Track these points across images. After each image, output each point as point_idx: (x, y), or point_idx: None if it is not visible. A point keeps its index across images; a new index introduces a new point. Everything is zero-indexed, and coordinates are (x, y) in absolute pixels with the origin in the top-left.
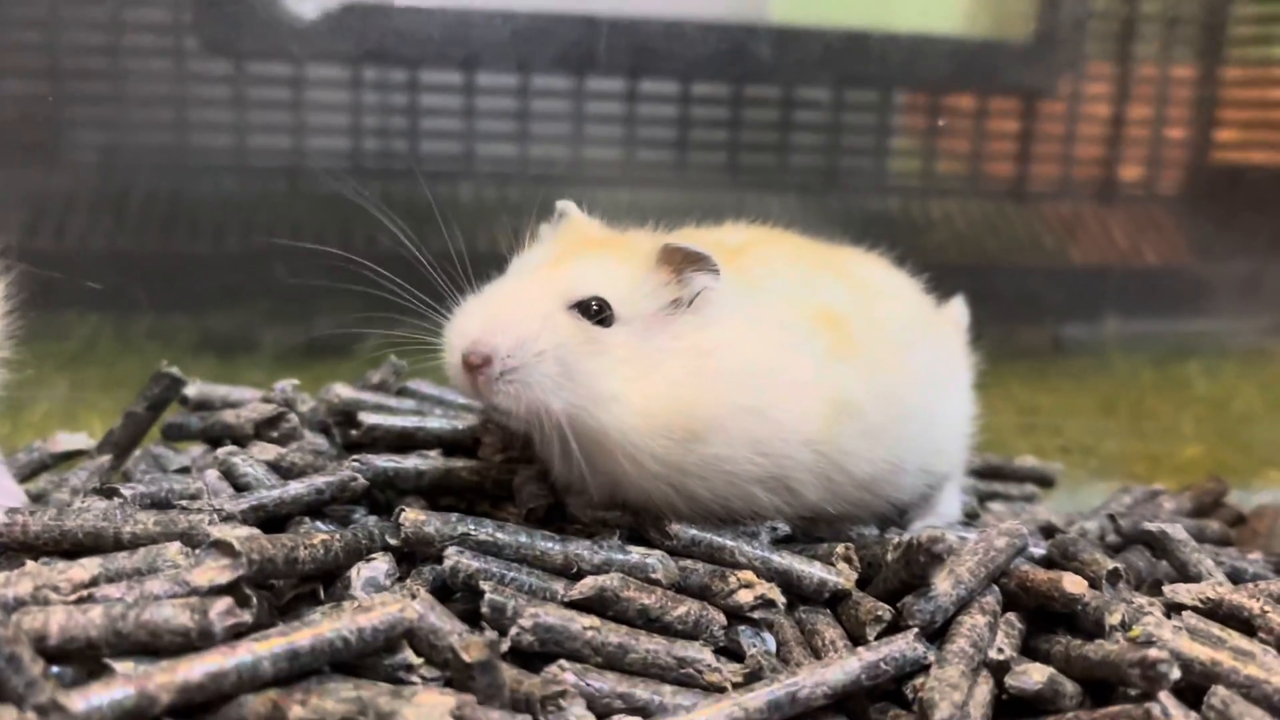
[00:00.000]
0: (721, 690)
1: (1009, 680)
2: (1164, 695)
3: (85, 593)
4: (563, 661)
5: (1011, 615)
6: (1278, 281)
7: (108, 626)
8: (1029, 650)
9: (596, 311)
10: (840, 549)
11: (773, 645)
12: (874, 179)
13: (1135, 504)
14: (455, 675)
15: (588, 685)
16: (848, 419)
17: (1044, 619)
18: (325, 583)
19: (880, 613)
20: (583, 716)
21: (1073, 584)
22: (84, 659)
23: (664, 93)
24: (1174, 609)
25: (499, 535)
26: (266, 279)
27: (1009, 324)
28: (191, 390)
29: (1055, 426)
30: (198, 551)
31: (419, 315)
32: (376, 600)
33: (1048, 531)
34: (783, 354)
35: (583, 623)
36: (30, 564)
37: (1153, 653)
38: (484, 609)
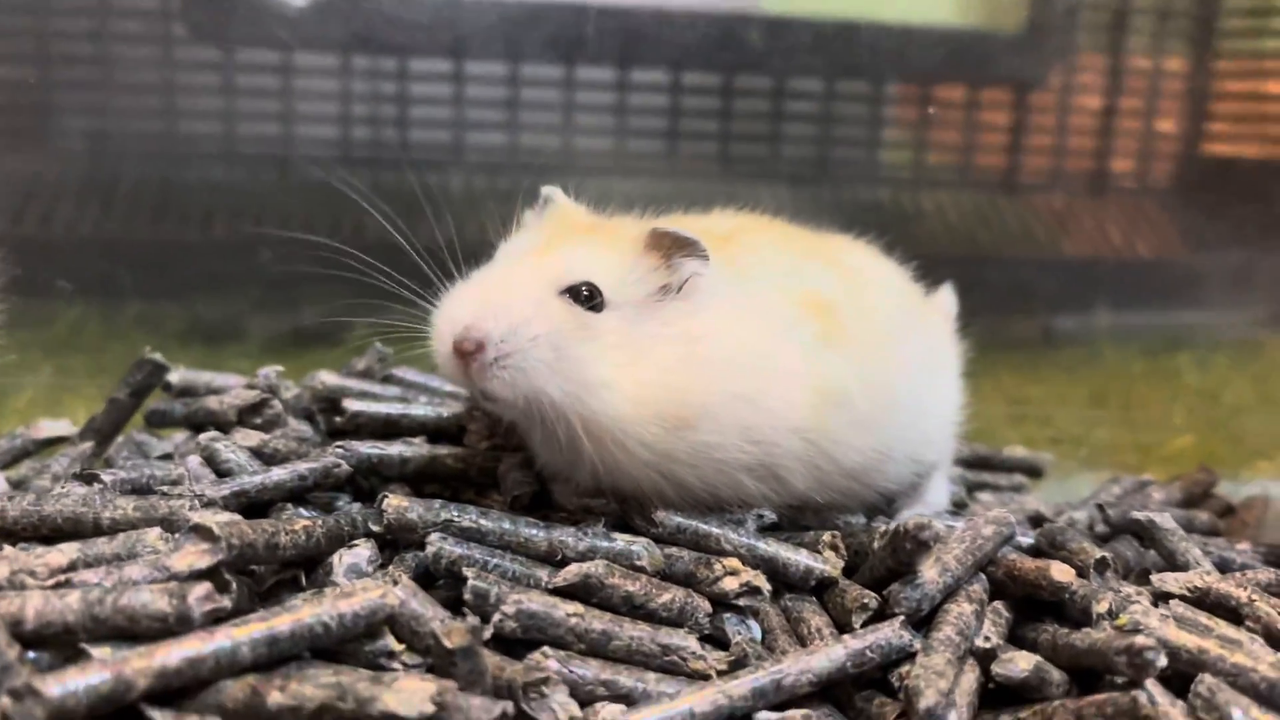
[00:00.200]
0: (706, 678)
1: (995, 668)
2: (1150, 683)
3: (63, 578)
4: (546, 648)
5: (999, 604)
6: (1269, 273)
7: (85, 611)
8: (1016, 638)
9: (588, 297)
10: (827, 537)
11: (758, 633)
12: (865, 169)
13: (1124, 494)
14: (437, 661)
15: (571, 672)
16: (836, 407)
17: (1031, 607)
18: (307, 569)
19: (866, 600)
20: (565, 704)
21: (1060, 572)
22: (61, 644)
23: (654, 82)
24: (1161, 598)
25: (482, 522)
26: (254, 267)
27: (999, 315)
28: (175, 377)
29: (1045, 417)
30: (177, 536)
31: (407, 303)
32: (358, 586)
33: (1036, 521)
34: (772, 341)
35: (566, 609)
36: (8, 549)
37: (1139, 640)
38: (467, 595)
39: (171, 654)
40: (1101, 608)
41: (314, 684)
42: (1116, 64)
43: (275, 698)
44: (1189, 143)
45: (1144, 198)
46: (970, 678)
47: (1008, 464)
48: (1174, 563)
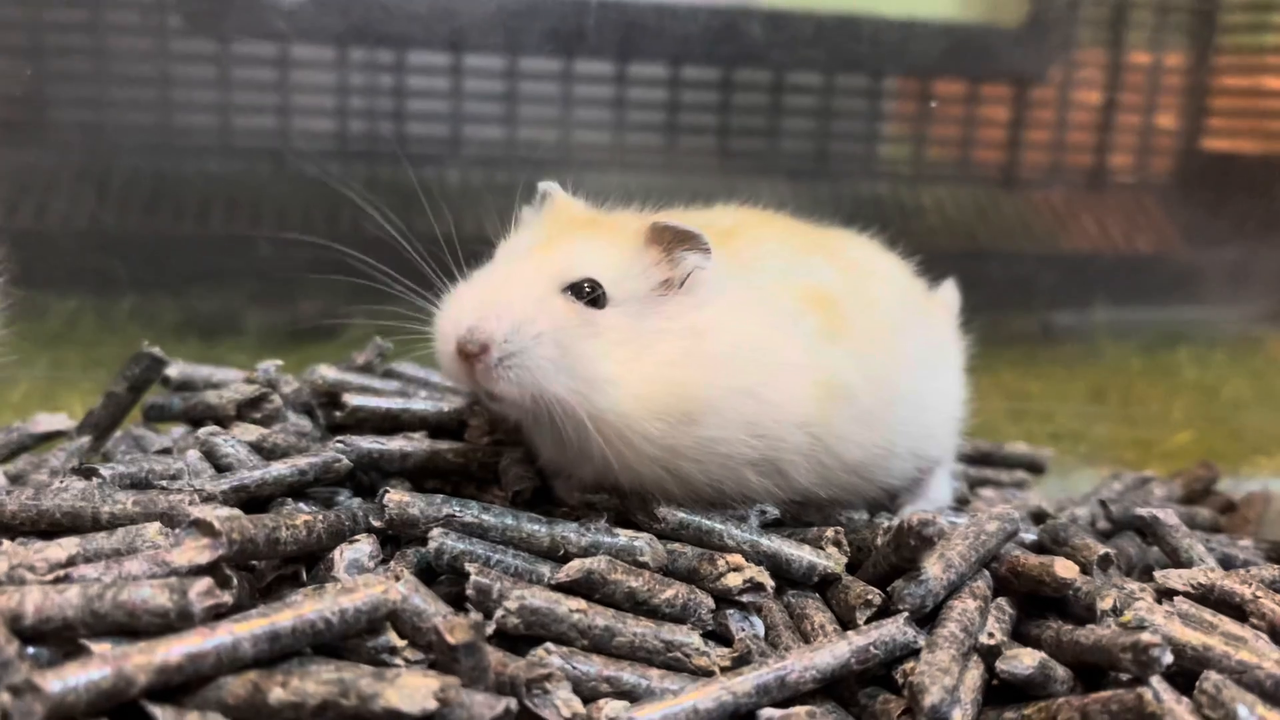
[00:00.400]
0: (709, 674)
1: (1000, 665)
2: (1156, 680)
3: (62, 572)
4: (549, 644)
5: (1002, 600)
6: (1267, 269)
7: (85, 606)
8: (1019, 635)
9: (590, 293)
10: (830, 533)
11: (761, 629)
12: (864, 164)
13: (1126, 490)
14: (439, 657)
15: (574, 668)
16: (840, 401)
17: (1034, 604)
18: (308, 564)
19: (870, 597)
20: (569, 700)
21: (1064, 569)
22: (60, 639)
23: (654, 76)
24: (1165, 594)
25: (485, 517)
26: (251, 260)
27: (998, 310)
28: (173, 371)
29: (1045, 413)
30: (177, 531)
31: (406, 298)
32: (360, 582)
33: (1038, 517)
34: (775, 335)
35: (569, 605)
36: (6, 544)
37: (1145, 637)
38: (469, 591)
39: (172, 650)
40: (1106, 604)
41: (316, 680)
42: (1116, 59)
43: (277, 694)
44: (1188, 138)
45: (1143, 193)
46: (974, 674)
47: (1009, 460)
48: (1177, 559)
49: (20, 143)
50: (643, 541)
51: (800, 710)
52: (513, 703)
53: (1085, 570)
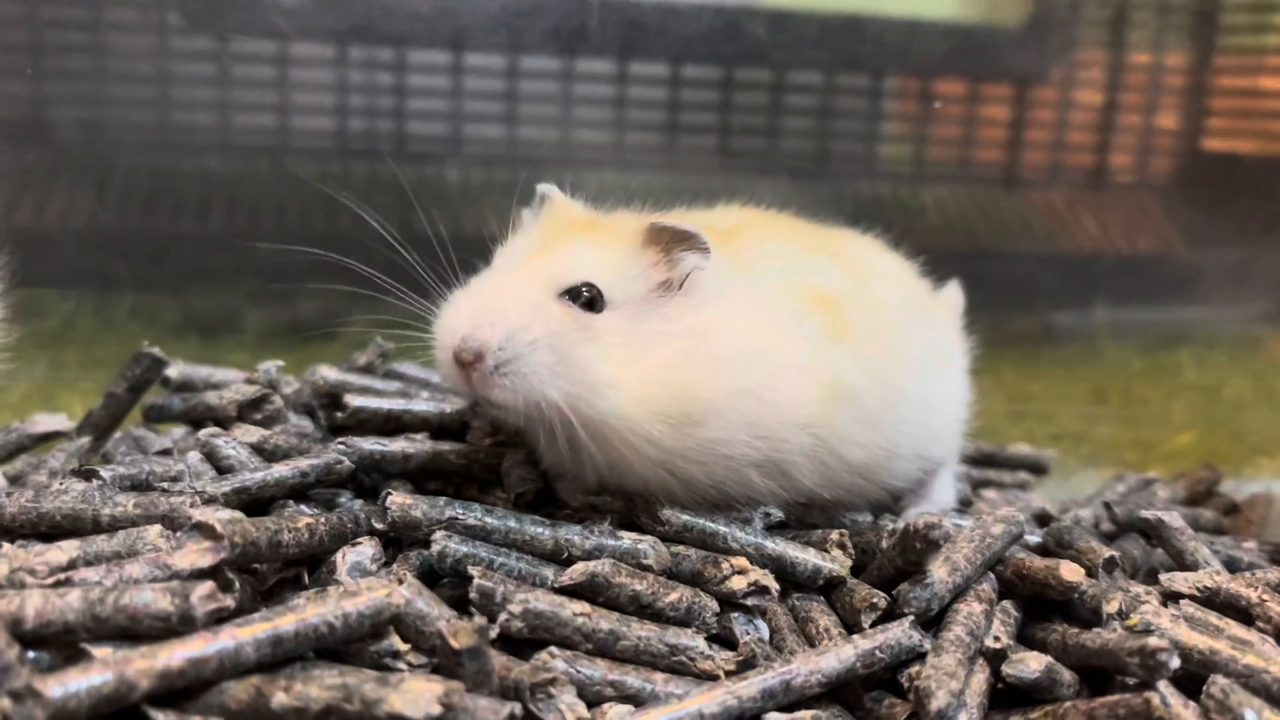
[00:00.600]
0: (714, 678)
1: (1006, 669)
2: (1163, 684)
3: (63, 576)
4: (553, 648)
5: (1007, 603)
6: (1268, 269)
7: (86, 610)
8: (1025, 638)
9: (587, 298)
10: (834, 535)
11: (766, 633)
12: (865, 164)
13: (1129, 492)
14: (443, 662)
15: (578, 673)
16: (843, 402)
17: (1039, 607)
18: (310, 567)
19: (875, 600)
20: (573, 704)
21: (1070, 572)
22: (61, 644)
23: (655, 75)
24: (1170, 597)
25: (488, 520)
26: (250, 259)
27: (999, 310)
28: (173, 371)
29: (1046, 413)
30: (179, 534)
31: (406, 297)
32: (362, 585)
33: (1042, 519)
34: (778, 336)
35: (573, 609)
36: (6, 546)
37: (1153, 641)
38: (472, 594)
39: (174, 654)
40: (1112, 608)
41: (319, 685)
42: (1117, 59)
43: (279, 699)
44: (1189, 138)
45: (1144, 193)
46: (980, 678)
47: (1012, 461)
48: (1182, 562)
49: (19, 141)
50: (647, 544)
51: (806, 714)
52: (517, 708)
53: (1090, 573)
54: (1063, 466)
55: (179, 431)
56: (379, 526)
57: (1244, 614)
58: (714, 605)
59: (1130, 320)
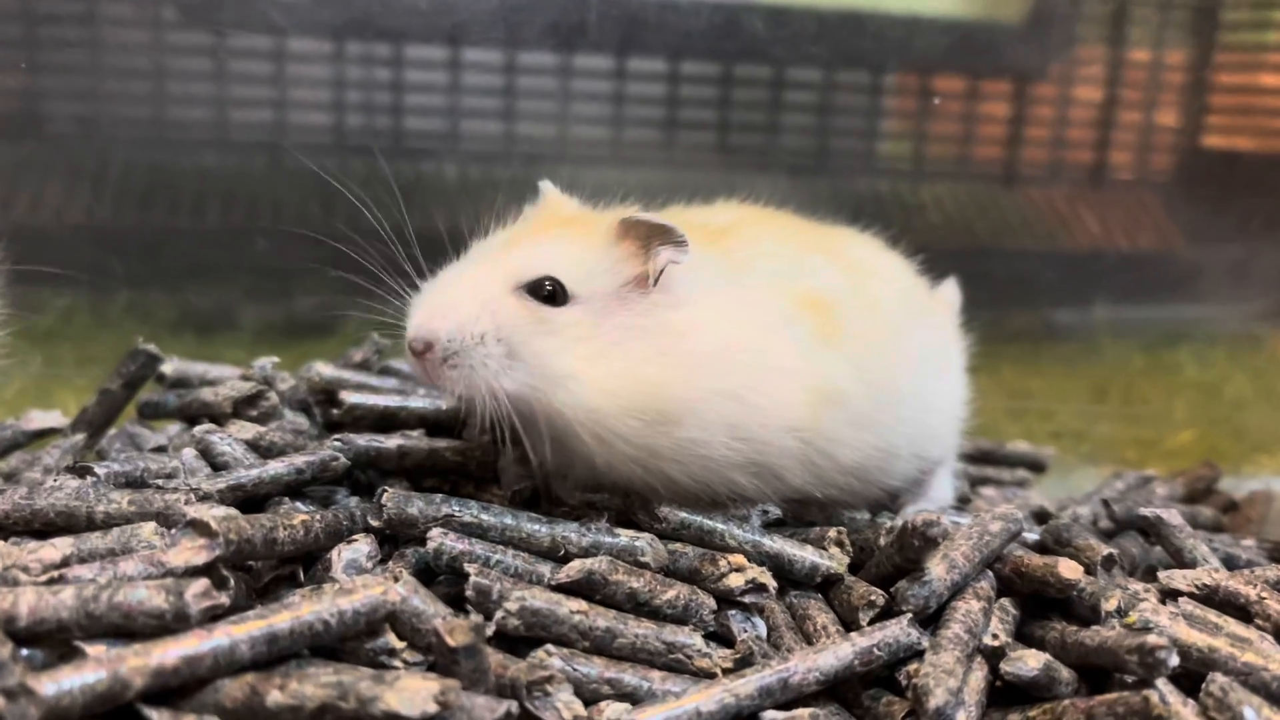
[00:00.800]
0: (711, 676)
1: (1004, 666)
2: (1161, 682)
3: (56, 573)
4: (549, 646)
5: (1005, 600)
6: (1268, 267)
7: (79, 608)
8: (1023, 636)
9: (548, 291)
10: (832, 533)
11: (763, 630)
12: (864, 161)
13: (1128, 489)
14: (439, 660)
15: (575, 670)
16: (832, 406)
17: (1038, 604)
18: (305, 564)
19: (873, 597)
20: (570, 702)
21: (1069, 569)
22: (55, 641)
23: (653, 71)
24: (1169, 595)
25: (484, 517)
26: (246, 255)
27: (998, 308)
28: (168, 368)
29: (1046, 411)
30: (173, 531)
31: (400, 294)
32: (358, 582)
33: (1040, 517)
34: (764, 337)
35: (570, 606)
36: (0, 544)
37: (1152, 639)
38: (469, 592)
39: (169, 652)
40: (1110, 605)
41: (314, 683)
42: (1117, 56)
43: (275, 697)
44: (1190, 136)
45: (1144, 190)
46: (978, 676)
47: (1010, 459)
48: (1181, 559)
49: (14, 136)
50: (644, 542)
51: (803, 712)
52: (513, 705)
53: (1089, 571)
54: (1062, 464)
55: (174, 428)
56: (375, 524)
57: (1243, 611)
58: (711, 603)
59: (1130, 318)
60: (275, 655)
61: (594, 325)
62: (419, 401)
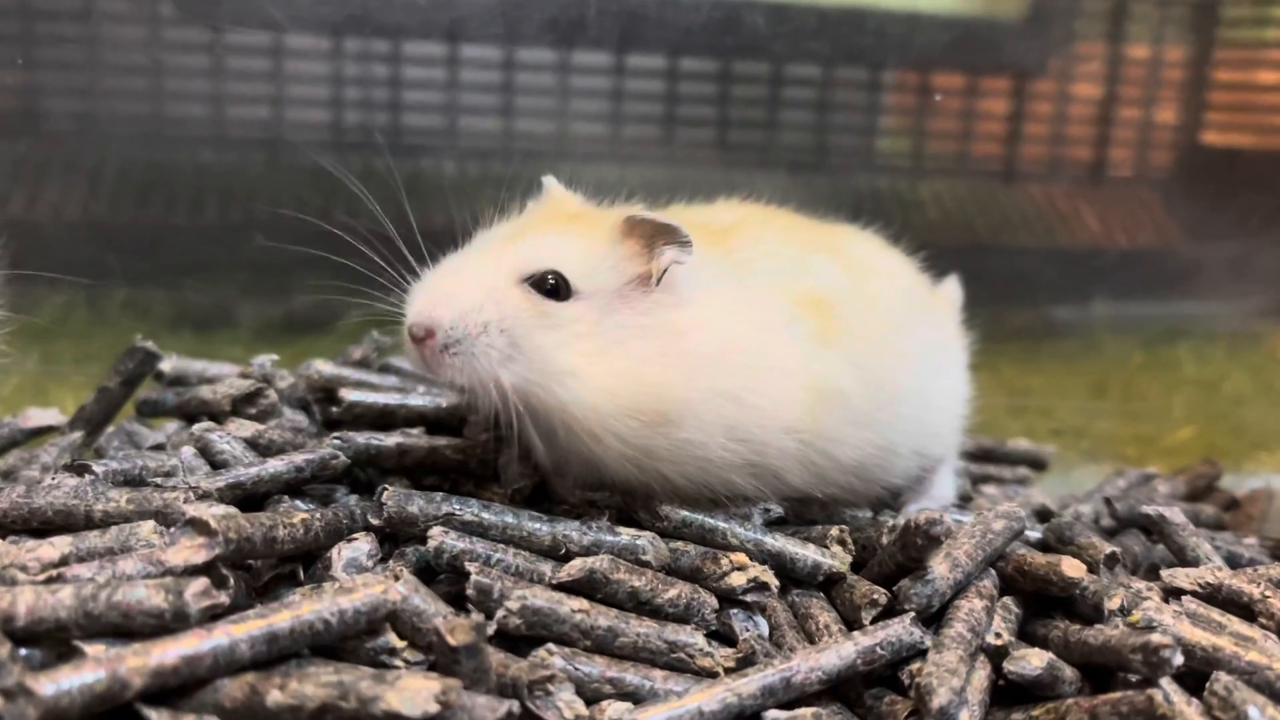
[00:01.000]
0: (714, 675)
1: (1008, 665)
2: (1165, 681)
3: (55, 572)
4: (551, 645)
5: (1008, 599)
6: (1267, 264)
7: (78, 607)
8: (1026, 635)
9: (551, 285)
10: (834, 531)
11: (765, 629)
12: (863, 158)
13: (1129, 487)
14: (440, 659)
15: (576, 669)
16: (832, 406)
17: (1040, 603)
18: (305, 563)
19: (876, 596)
20: (571, 701)
21: (1072, 568)
22: (53, 641)
23: (653, 67)
24: (1172, 594)
25: (485, 515)
26: (244, 251)
27: (999, 305)
28: (167, 365)
29: (1046, 408)
30: (172, 530)
31: (399, 290)
32: (358, 581)
33: (1042, 515)
34: (763, 337)
35: (571, 605)
36: None
37: (1156, 638)
38: (469, 591)
39: (168, 652)
40: (1113, 604)
41: (315, 683)
42: (1117, 53)
43: (275, 697)
44: (1189, 132)
45: (1143, 187)
46: (981, 675)
47: (1011, 456)
48: (1184, 558)
49: (11, 133)
50: (645, 540)
51: (806, 712)
52: (515, 705)
53: (1092, 569)
54: (1063, 461)
55: (172, 426)
56: (375, 522)
57: (1246, 610)
58: (713, 601)
59: (1130, 315)
60: (275, 655)
61: (596, 322)
62: (419, 399)
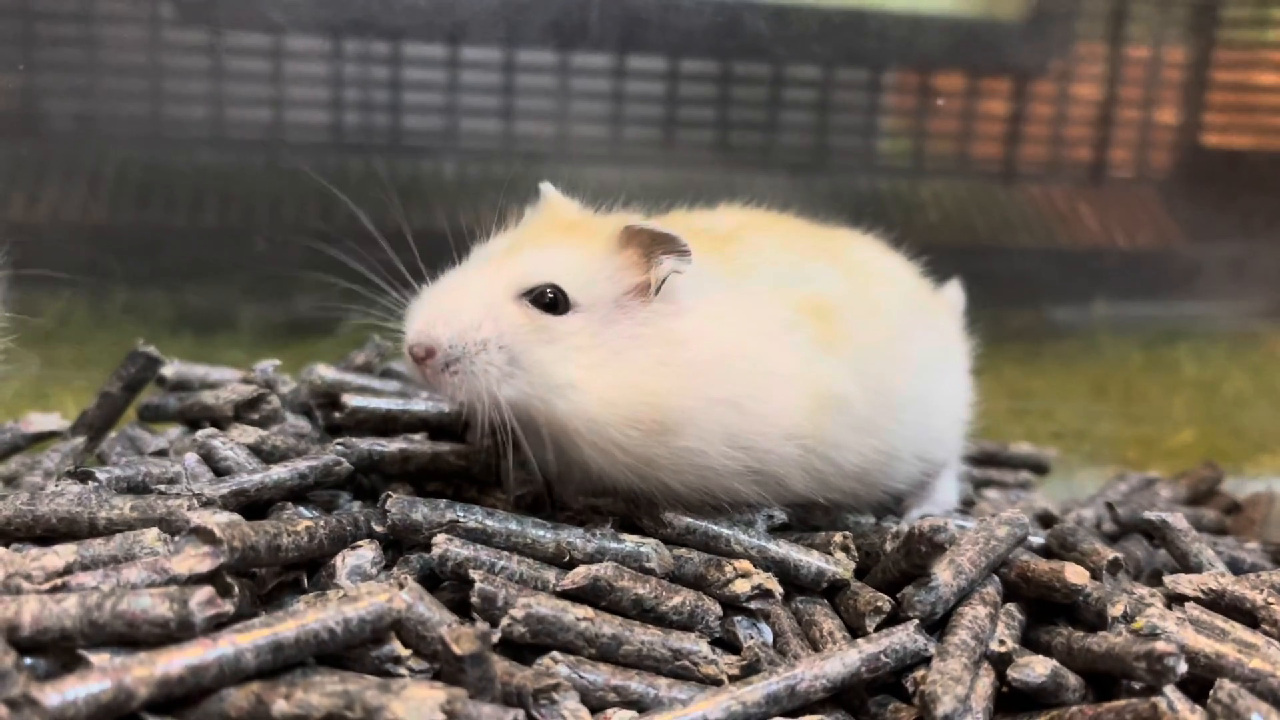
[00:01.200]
0: (718, 683)
1: (1011, 673)
2: (1169, 689)
3: (59, 581)
4: (555, 653)
5: (1011, 606)
6: (1267, 265)
7: (83, 617)
8: (1028, 642)
9: (549, 299)
10: (838, 538)
11: (770, 636)
12: (863, 159)
13: (1131, 491)
14: (445, 668)
15: (581, 678)
16: (834, 412)
17: (1043, 609)
18: (309, 571)
19: (880, 603)
20: (576, 710)
21: (1075, 574)
22: (58, 650)
23: (654, 69)
24: (1175, 600)
25: (488, 522)
26: (245, 254)
27: (999, 307)
28: (169, 370)
29: (1047, 411)
30: (177, 538)
31: (400, 294)
32: (363, 590)
33: (1045, 520)
34: (763, 344)
35: (576, 613)
36: (2, 551)
37: (1160, 646)
38: (474, 599)
39: (173, 661)
40: (1117, 611)
41: (320, 692)
42: (1117, 54)
43: (280, 706)
44: (1189, 133)
45: (1144, 188)
46: (985, 682)
47: (1014, 460)
48: (1186, 564)
49: (10, 135)
50: (649, 547)
51: None
52: (520, 714)
53: (1095, 576)
54: (1064, 464)
55: (174, 431)
56: (379, 529)
57: (1249, 616)
58: (717, 609)
59: (1130, 316)
60: (281, 664)
61: (595, 334)
62: (421, 404)
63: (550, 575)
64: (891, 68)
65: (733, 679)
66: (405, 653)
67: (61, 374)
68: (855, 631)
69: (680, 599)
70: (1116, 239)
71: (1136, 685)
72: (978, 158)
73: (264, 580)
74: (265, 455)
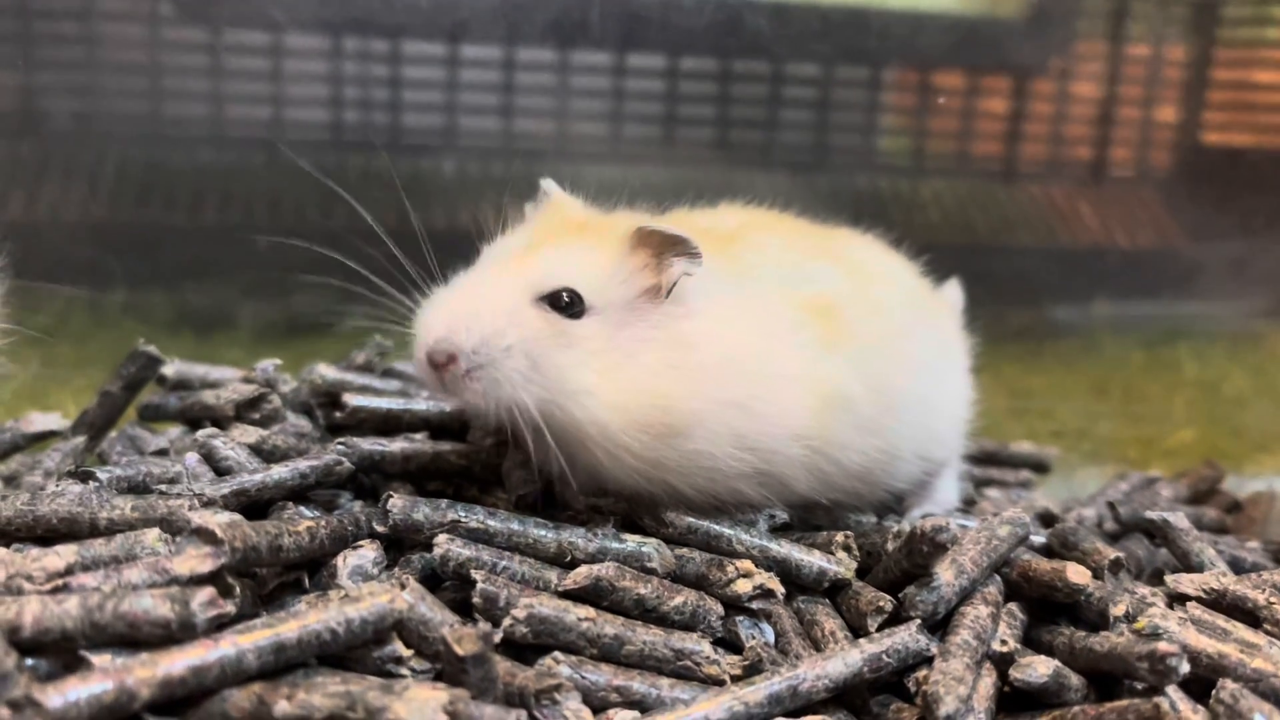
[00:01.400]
0: (720, 683)
1: (1014, 673)
2: (1171, 689)
3: (60, 582)
4: (557, 653)
5: (1013, 605)
6: (1267, 264)
7: (84, 617)
8: (1030, 641)
9: (567, 303)
10: (840, 538)
11: (771, 636)
12: (863, 157)
13: (1132, 491)
14: (447, 668)
15: (583, 678)
16: (839, 412)
17: (1045, 609)
18: (310, 571)
19: (881, 603)
20: (578, 710)
21: (1077, 574)
22: (60, 651)
23: (654, 67)
24: (1177, 599)
25: (490, 522)
26: (245, 253)
27: (999, 306)
28: (169, 369)
29: (1047, 410)
30: (178, 539)
31: (402, 292)
32: (365, 590)
33: (1046, 519)
34: (769, 345)
35: (578, 613)
36: (2, 551)
37: (1163, 646)
38: (476, 599)
39: (175, 662)
40: (1118, 611)
41: (322, 693)
42: (1117, 52)
43: (282, 707)
44: (1189, 132)
45: (1144, 187)
46: (988, 682)
47: (1014, 460)
48: (1188, 563)
49: (10, 133)
50: (650, 547)
51: None
52: (523, 715)
53: (1096, 575)
54: (1065, 463)
55: (175, 431)
56: (380, 529)
57: (1251, 616)
58: (719, 609)
59: (1130, 315)
60: (282, 665)
61: (609, 338)
62: (423, 404)
63: (552, 575)
64: (892, 66)
65: (735, 679)
66: (407, 653)
67: (61, 373)
68: (857, 631)
69: (682, 599)
70: (1117, 238)
71: (1139, 685)
72: (978, 156)
73: (265, 580)
74: (266, 455)
